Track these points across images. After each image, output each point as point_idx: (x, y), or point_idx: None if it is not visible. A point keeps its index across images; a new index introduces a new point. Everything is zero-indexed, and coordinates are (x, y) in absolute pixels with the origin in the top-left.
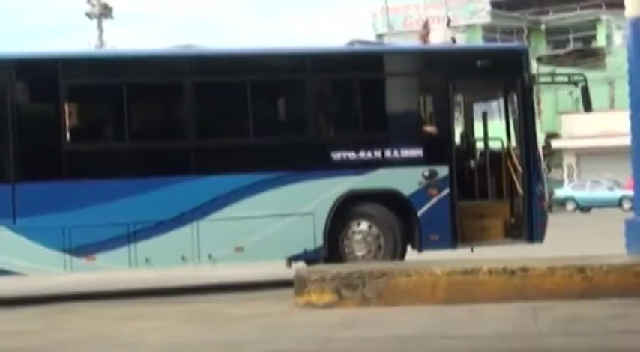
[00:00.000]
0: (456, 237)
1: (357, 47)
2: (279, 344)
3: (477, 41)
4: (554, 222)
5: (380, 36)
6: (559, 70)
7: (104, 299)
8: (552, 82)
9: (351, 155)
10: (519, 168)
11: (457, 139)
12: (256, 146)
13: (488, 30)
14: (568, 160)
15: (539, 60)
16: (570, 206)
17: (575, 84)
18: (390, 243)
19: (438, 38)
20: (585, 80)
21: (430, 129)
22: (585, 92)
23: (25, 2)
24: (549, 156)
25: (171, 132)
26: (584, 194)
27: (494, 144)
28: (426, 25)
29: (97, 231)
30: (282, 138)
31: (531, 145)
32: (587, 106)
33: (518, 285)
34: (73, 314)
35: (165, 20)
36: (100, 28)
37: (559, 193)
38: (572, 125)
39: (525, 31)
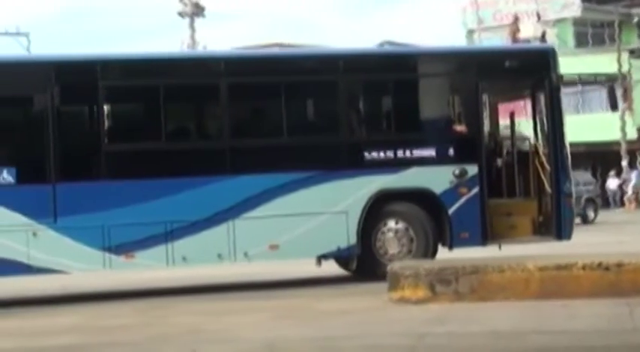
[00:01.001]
0: (486, 234)
1: (388, 48)
2: (374, 340)
3: (568, 36)
4: None
5: (470, 31)
6: None
7: (191, 294)
8: (579, 82)
9: (383, 154)
10: (547, 166)
11: (486, 138)
12: (290, 146)
13: (579, 24)
14: None
15: (632, 53)
16: None
17: (602, 83)
18: (421, 240)
19: (528, 33)
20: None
21: (460, 128)
22: (611, 92)
23: (119, 2)
24: None
25: (207, 132)
26: None
27: (522, 143)
28: (515, 22)
29: (135, 229)
30: (315, 138)
31: (559, 144)
32: (614, 105)
33: (613, 281)
34: (168, 310)
35: (257, 19)
36: (192, 27)
37: None
38: None
39: (617, 25)
